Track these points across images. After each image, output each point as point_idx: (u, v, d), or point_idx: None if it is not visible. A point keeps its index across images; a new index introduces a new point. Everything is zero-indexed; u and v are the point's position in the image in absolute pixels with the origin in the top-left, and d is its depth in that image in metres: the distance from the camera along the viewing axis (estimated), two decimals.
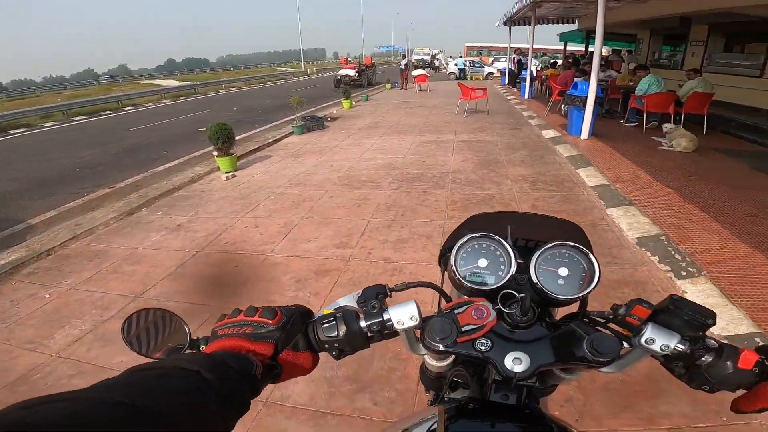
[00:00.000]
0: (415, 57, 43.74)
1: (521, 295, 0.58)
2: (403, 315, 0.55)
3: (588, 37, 14.84)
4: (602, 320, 0.59)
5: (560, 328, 0.58)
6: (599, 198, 4.08)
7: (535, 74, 12.92)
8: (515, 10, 11.23)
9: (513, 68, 15.74)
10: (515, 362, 0.54)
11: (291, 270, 3.08)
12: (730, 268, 2.74)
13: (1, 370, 2.22)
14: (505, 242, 0.65)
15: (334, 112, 11.60)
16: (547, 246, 0.64)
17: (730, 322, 2.25)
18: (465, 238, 0.66)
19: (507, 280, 0.62)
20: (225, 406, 0.39)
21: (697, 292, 2.56)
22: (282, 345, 0.51)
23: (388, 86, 18.71)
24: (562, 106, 8.58)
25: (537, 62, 14.03)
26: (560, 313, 0.68)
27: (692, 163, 5.04)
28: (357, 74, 20.32)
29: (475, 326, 0.54)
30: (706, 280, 2.66)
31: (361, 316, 0.56)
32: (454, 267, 0.65)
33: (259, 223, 3.97)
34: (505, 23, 15.05)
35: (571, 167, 5.13)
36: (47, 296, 2.95)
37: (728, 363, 0.50)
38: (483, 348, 0.55)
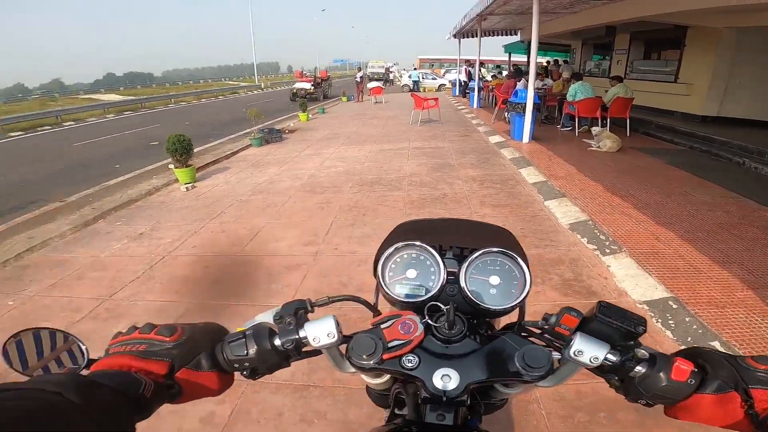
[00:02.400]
0: (370, 70, 44.60)
1: (446, 307, 0.55)
2: (319, 331, 0.52)
3: (529, 47, 16.13)
4: (538, 331, 0.56)
5: (493, 341, 0.55)
6: (538, 192, 4.58)
7: (482, 85, 13.80)
8: (464, 23, 12.05)
9: (464, 79, 16.70)
10: (444, 379, 0.51)
11: (262, 266, 3.24)
12: (644, 244, 3.24)
13: None
14: (433, 251, 0.63)
15: (292, 124, 11.72)
16: (477, 254, 0.62)
17: (647, 289, 2.68)
18: (391, 248, 0.64)
19: (437, 292, 0.61)
20: (96, 427, 0.37)
21: (619, 266, 3.01)
22: (179, 364, 0.49)
23: (344, 99, 19.09)
24: (506, 113, 9.30)
25: (485, 72, 14.97)
26: (501, 323, 0.66)
27: (615, 161, 5.74)
28: (313, 87, 20.57)
29: (402, 341, 0.52)
30: (626, 256, 3.12)
31: (277, 333, 0.53)
32: (381, 279, 0.63)
33: (225, 228, 4.08)
34: (454, 36, 15.98)
35: (514, 167, 5.66)
36: (11, 303, 2.93)
37: (661, 374, 0.48)
38: (410, 365, 0.52)
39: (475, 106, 13.03)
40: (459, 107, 13.87)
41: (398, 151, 7.18)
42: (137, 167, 7.45)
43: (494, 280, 0.61)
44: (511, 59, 19.34)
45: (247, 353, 0.51)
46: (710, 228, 3.45)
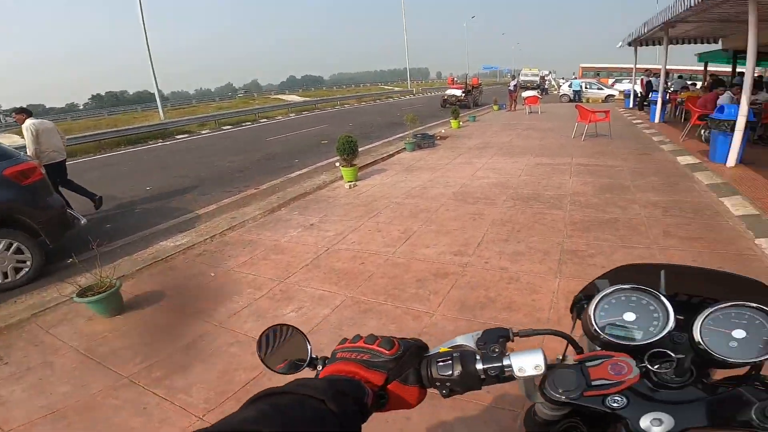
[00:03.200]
0: (522, 78, 42.31)
1: (679, 356, 0.55)
2: (526, 363, 0.53)
3: (736, 57, 13.00)
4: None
5: (720, 391, 0.53)
6: (747, 228, 3.66)
7: (668, 97, 11.69)
8: (645, 31, 10.42)
9: (641, 90, 14.43)
10: (654, 423, 0.50)
11: (411, 270, 3.39)
12: None
13: (174, 336, 2.71)
14: (662, 296, 0.62)
15: (443, 131, 11.96)
16: (721, 305, 0.59)
17: None
18: (610, 289, 0.63)
19: (661, 338, 0.59)
20: None
21: None
22: (393, 376, 0.52)
23: (495, 107, 18.56)
24: (703, 131, 7.69)
25: (670, 84, 12.60)
26: (719, 375, 0.62)
27: None
28: (463, 94, 20.59)
29: (610, 382, 0.51)
30: None
31: (479, 357, 0.54)
32: (592, 317, 0.62)
33: (381, 228, 4.41)
34: (630, 44, 13.99)
35: (713, 195, 4.63)
36: (212, 274, 3.67)
37: None
38: (616, 405, 0.52)
39: (656, 120, 11.12)
40: (635, 121, 12.06)
41: (558, 166, 6.63)
42: (311, 162, 8.66)
43: (738, 333, 0.58)
44: (708, 69, 15.88)
45: (452, 374, 0.53)
46: None
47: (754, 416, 0.47)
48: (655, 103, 11.27)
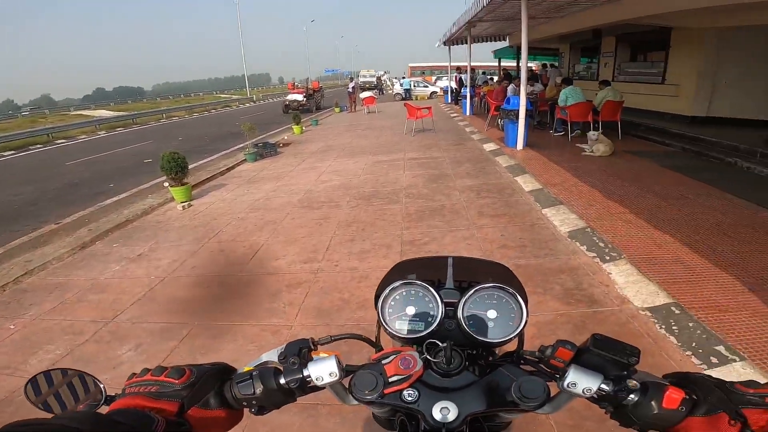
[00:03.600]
0: (361, 80, 44.86)
1: (443, 344, 0.58)
2: (322, 371, 0.55)
3: (518, 52, 16.38)
4: (535, 360, 0.59)
5: (490, 372, 0.58)
6: (535, 201, 4.61)
7: (474, 91, 13.92)
8: (453, 30, 12.19)
9: (455, 86, 16.86)
10: (443, 412, 0.53)
11: (263, 285, 3.22)
12: (644, 250, 3.26)
13: None
14: (430, 288, 0.66)
15: (285, 137, 11.75)
16: (474, 289, 0.65)
17: (648, 296, 2.68)
18: (389, 288, 0.67)
19: (435, 327, 0.63)
20: None
21: (620, 272, 3.03)
22: (189, 403, 0.52)
23: (337, 110, 19.16)
24: (499, 120, 9.39)
25: (476, 79, 15.09)
26: (502, 350, 0.69)
27: (609, 165, 5.80)
28: (305, 99, 20.62)
29: (402, 377, 0.54)
30: (626, 262, 3.13)
31: (281, 372, 0.56)
32: (381, 316, 0.66)
33: (224, 248, 4.05)
34: (444, 43, 16.16)
35: (510, 176, 5.70)
36: (12, 327, 2.92)
37: (653, 403, 0.49)
38: (410, 399, 0.54)
39: (468, 113, 13.14)
40: (452, 115, 13.98)
41: (394, 162, 7.20)
42: (132, 186, 7.42)
43: (492, 313, 0.64)
44: (501, 64, 19.59)
45: (254, 392, 0.54)
46: (707, 230, 3.49)
47: (514, 395, 0.51)
48: (466, 97, 13.29)
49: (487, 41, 15.87)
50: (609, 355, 0.52)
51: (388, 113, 16.70)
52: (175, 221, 5.06)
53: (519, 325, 0.63)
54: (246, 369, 0.58)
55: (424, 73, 36.65)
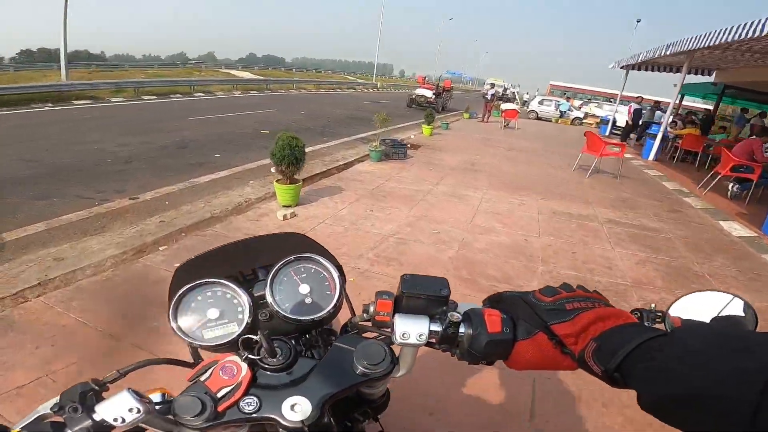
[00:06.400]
0: (486, 88, 41.69)
1: (256, 336, 0.50)
2: (118, 410, 0.43)
3: (723, 92, 12.44)
4: (368, 323, 0.55)
5: (327, 350, 0.53)
6: None
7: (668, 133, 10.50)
8: (660, 54, 9.15)
9: (628, 119, 13.40)
10: (296, 408, 0.46)
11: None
12: None
13: None
14: (228, 282, 0.58)
15: (412, 137, 9.99)
16: (275, 268, 0.59)
17: None
18: (174, 299, 0.57)
19: (249, 323, 0.56)
20: None
21: None
22: None
23: (466, 116, 16.99)
24: (732, 185, 6.37)
25: (671, 117, 11.27)
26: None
27: None
28: (434, 96, 18.83)
29: (230, 387, 0.47)
30: None
31: (66, 424, 0.43)
32: (176, 330, 0.55)
33: None
34: (623, 67, 12.96)
35: None
36: None
37: (480, 333, 0.48)
38: (250, 408, 0.47)
39: (651, 158, 9.93)
40: (626, 155, 10.86)
41: (582, 221, 4.81)
42: (238, 161, 6.19)
43: (304, 289, 0.58)
44: (682, 102, 15.48)
45: None
46: None
47: (359, 366, 0.49)
48: (652, 137, 10.10)
49: (667, 71, 12.15)
50: (423, 293, 0.51)
51: (530, 133, 14.05)
52: None
53: (336, 291, 0.58)
54: (15, 431, 0.44)
55: (566, 94, 32.17)
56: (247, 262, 0.65)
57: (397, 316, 0.50)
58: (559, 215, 4.91)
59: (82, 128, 8.05)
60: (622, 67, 13.27)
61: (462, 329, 0.49)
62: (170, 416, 0.46)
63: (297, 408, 0.46)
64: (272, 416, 0.46)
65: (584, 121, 21.60)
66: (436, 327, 0.50)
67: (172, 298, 0.57)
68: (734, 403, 0.31)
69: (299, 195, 4.36)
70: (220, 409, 0.46)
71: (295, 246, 0.66)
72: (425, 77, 22.78)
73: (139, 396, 0.44)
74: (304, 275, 0.59)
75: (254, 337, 0.51)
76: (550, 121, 21.34)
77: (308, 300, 0.57)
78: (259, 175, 5.45)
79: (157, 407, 0.46)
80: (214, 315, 0.56)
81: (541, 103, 22.63)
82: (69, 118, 9.53)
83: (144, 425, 0.46)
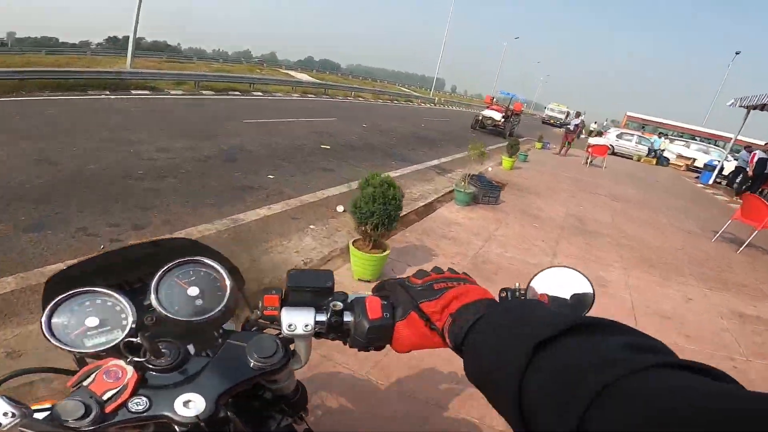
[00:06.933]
0: (547, 113, 38.89)
1: (136, 339, 0.48)
2: None
3: None
4: (258, 319, 0.57)
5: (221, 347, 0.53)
6: None
7: None
8: None
9: (749, 168, 11.06)
10: (189, 405, 0.46)
11: None
12: None
13: None
14: (105, 290, 0.57)
15: (490, 169, 8.46)
16: (157, 276, 0.59)
17: None
18: (46, 311, 0.55)
19: (133, 327, 0.55)
20: None
21: None
22: None
23: (539, 145, 15.14)
24: None
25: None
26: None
27: None
28: (503, 119, 17.15)
29: (117, 389, 0.46)
30: None
31: None
32: (52, 341, 0.53)
33: None
34: (746, 106, 10.77)
35: None
36: None
37: (362, 319, 0.50)
38: (140, 408, 0.46)
39: None
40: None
41: None
42: (294, 187, 4.94)
43: (193, 291, 0.58)
44: None
45: None
46: None
47: (251, 360, 0.50)
48: None
49: None
50: (308, 285, 0.53)
51: (620, 174, 12.13)
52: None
53: (227, 290, 0.58)
54: None
55: (644, 127, 29.10)
56: (133, 269, 0.64)
57: (284, 309, 0.53)
58: (752, 322, 3.21)
59: (129, 123, 7.17)
60: (746, 107, 11.07)
61: (347, 318, 0.52)
62: (54, 422, 0.44)
63: (191, 405, 0.46)
64: (165, 413, 0.46)
65: (673, 161, 19.02)
66: (322, 317, 0.52)
67: (45, 309, 0.56)
68: (508, 367, 0.33)
69: (383, 267, 2.97)
70: (107, 410, 0.45)
71: (184, 251, 0.64)
72: (493, 98, 21.04)
73: (15, 402, 0.43)
74: (192, 278, 0.59)
75: (135, 340, 0.49)
76: (631, 158, 18.93)
77: (198, 302, 0.57)
78: (321, 215, 4.15)
79: (40, 414, 0.44)
80: (94, 323, 0.55)
81: (620, 137, 20.14)
82: (120, 108, 8.80)
83: (25, 430, 0.43)
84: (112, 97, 10.55)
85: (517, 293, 0.55)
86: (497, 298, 0.50)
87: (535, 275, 0.57)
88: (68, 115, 7.19)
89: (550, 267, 0.58)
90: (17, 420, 0.42)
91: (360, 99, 23.90)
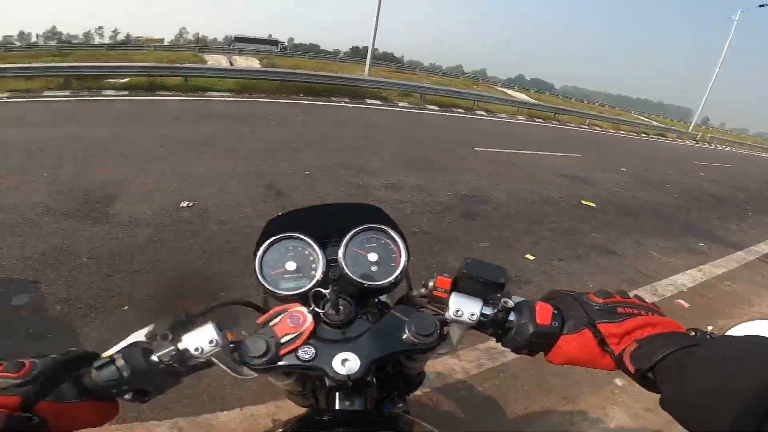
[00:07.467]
0: None
1: (327, 290, 0.53)
2: (200, 341, 0.47)
3: None
4: (424, 299, 0.57)
5: (383, 317, 0.55)
6: None
7: None
8: None
9: None
10: (345, 363, 0.49)
11: None
12: None
13: None
14: (308, 239, 0.62)
15: None
16: (351, 233, 0.62)
17: None
18: (263, 247, 0.61)
19: (320, 279, 0.59)
20: None
21: None
22: (36, 397, 0.44)
23: None
24: None
25: None
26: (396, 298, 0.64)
27: None
28: None
29: (293, 335, 0.50)
30: None
31: (152, 350, 0.47)
32: (259, 277, 0.60)
33: None
34: None
35: None
36: None
37: (529, 322, 0.50)
38: (306, 356, 0.49)
39: None
40: None
41: None
42: (560, 278, 2.86)
43: (372, 256, 0.61)
44: None
45: (120, 377, 0.45)
46: None
47: (408, 334, 0.51)
48: None
49: None
50: (482, 277, 0.53)
51: None
52: None
53: (400, 264, 0.61)
54: (106, 354, 0.47)
55: None
56: (326, 225, 0.67)
57: (454, 294, 0.52)
58: None
59: (364, 140, 6.49)
60: None
61: (512, 317, 0.51)
62: (235, 354, 0.49)
63: (347, 364, 0.48)
64: (323, 367, 0.48)
65: None
66: (488, 311, 0.51)
67: (260, 246, 0.61)
68: (748, 405, 0.33)
69: None
70: (281, 353, 0.48)
71: (370, 217, 0.67)
72: None
73: (221, 330, 0.47)
74: (374, 244, 0.62)
75: (324, 290, 0.53)
76: None
77: (374, 268, 0.60)
78: None
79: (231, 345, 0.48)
80: (292, 267, 0.59)
81: None
82: (347, 120, 8.54)
83: (215, 359, 0.48)
84: (349, 106, 10.76)
85: (708, 336, 0.47)
86: None
87: (735, 326, 0.55)
88: (288, 125, 7.03)
89: (752, 320, 0.57)
90: (217, 349, 0.46)
91: (596, 128, 19.80)
